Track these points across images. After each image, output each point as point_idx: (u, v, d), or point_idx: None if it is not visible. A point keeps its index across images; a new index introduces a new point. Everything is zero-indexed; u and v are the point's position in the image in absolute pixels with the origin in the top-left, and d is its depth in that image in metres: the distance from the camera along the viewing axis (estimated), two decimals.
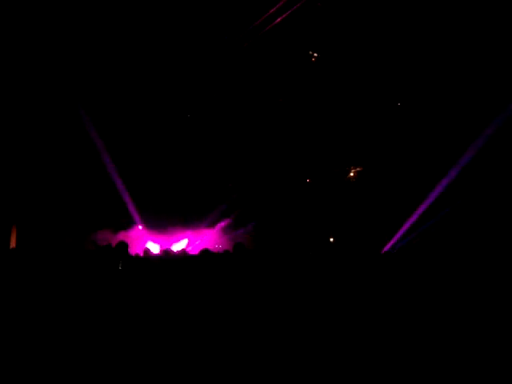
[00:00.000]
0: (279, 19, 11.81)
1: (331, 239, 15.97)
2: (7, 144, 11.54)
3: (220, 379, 3.82)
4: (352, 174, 16.58)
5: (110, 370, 3.81)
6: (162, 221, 14.58)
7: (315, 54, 14.27)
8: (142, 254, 8.11)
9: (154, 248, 13.18)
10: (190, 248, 14.12)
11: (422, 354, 4.10)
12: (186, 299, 4.58)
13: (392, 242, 13.84)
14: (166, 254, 6.86)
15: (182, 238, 14.77)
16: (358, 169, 16.42)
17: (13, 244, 11.61)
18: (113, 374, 3.79)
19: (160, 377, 3.81)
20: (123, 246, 6.51)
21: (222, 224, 15.67)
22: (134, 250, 10.96)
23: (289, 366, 3.97)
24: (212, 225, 15.69)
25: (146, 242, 13.62)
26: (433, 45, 12.46)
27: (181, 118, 15.01)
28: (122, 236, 12.37)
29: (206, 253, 6.37)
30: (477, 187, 13.01)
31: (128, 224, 13.80)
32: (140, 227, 14.14)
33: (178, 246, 13.93)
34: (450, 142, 13.37)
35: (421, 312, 4.81)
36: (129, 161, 13.96)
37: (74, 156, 12.87)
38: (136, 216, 13.80)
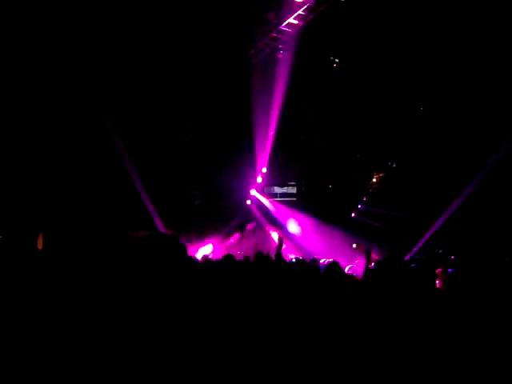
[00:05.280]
0: (300, 23, 11.79)
1: (354, 245, 15.89)
2: (32, 151, 11.79)
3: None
4: (374, 180, 16.51)
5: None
6: (186, 227, 14.68)
7: (336, 60, 14.26)
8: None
9: None
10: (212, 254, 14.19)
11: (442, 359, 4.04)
12: (204, 305, 4.59)
13: (415, 248, 13.71)
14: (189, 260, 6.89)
15: (207, 244, 14.87)
16: (380, 174, 16.34)
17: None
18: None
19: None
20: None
21: (247, 229, 15.75)
22: None
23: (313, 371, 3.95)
24: (235, 231, 15.77)
25: None
26: (459, 50, 12.29)
27: (206, 129, 15.13)
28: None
29: (228, 259, 6.34)
30: (502, 194, 12.77)
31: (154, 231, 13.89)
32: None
33: (202, 252, 14.02)
34: (474, 148, 13.17)
35: (444, 320, 4.74)
36: (152, 168, 14.13)
37: (97, 164, 13.04)
38: (159, 223, 13.94)
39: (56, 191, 12.26)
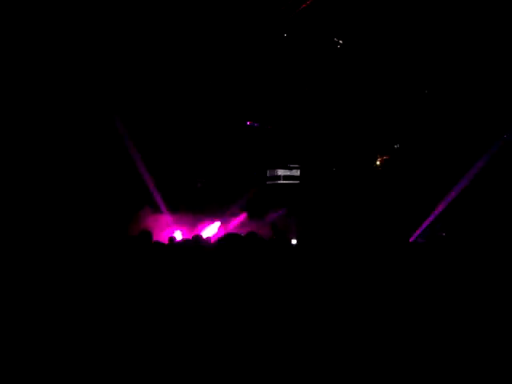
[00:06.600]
0: (303, 5, 11.66)
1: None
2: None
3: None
4: (378, 163, 16.39)
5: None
6: (191, 208, 14.58)
7: (340, 41, 14.08)
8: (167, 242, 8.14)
9: (180, 236, 13.20)
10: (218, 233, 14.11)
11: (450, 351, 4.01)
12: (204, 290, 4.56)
13: (419, 231, 13.65)
14: (193, 240, 6.86)
15: (212, 224, 14.77)
16: (384, 157, 16.23)
17: None
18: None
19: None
20: (146, 234, 6.52)
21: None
22: (161, 238, 10.98)
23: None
24: (242, 211, 15.73)
25: (173, 231, 13.62)
26: (469, 31, 12.10)
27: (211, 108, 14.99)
28: (148, 223, 12.41)
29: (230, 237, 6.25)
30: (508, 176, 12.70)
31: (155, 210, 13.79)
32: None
33: (208, 232, 13.96)
34: (482, 129, 13.06)
35: (450, 305, 4.72)
36: (156, 146, 14.07)
37: (97, 143, 12.90)
38: (162, 203, 13.87)
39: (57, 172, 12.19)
